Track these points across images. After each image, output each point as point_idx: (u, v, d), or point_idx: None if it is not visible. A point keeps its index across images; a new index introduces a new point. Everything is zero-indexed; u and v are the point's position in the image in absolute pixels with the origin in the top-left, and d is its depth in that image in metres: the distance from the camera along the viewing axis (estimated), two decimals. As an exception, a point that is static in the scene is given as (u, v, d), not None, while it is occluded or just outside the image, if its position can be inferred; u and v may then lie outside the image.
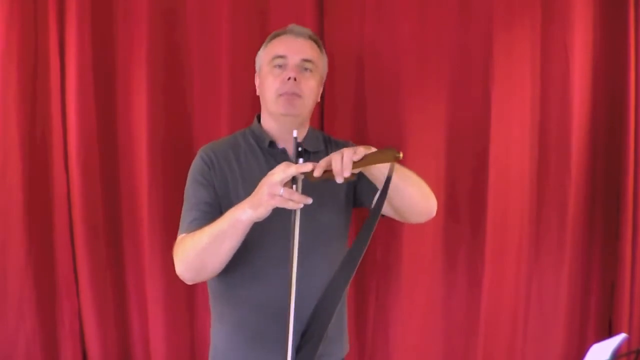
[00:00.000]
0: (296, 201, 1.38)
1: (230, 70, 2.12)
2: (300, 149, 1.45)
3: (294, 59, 1.66)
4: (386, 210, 1.63)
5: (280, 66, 1.66)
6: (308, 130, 1.75)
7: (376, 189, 1.58)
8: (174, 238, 1.69)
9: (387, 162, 1.41)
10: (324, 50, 1.76)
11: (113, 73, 2.17)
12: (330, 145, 1.78)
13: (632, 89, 2.09)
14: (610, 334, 2.19)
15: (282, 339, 1.56)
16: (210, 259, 1.52)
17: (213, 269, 1.55)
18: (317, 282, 1.60)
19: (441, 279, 2.21)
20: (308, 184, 1.54)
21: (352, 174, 1.38)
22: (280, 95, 1.64)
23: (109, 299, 2.24)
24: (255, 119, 1.76)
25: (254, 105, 2.02)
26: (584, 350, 1.51)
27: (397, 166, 1.50)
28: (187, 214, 1.63)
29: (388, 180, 1.44)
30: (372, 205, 1.59)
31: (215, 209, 1.60)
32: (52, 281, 2.22)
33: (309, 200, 1.39)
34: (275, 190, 1.37)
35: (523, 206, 2.16)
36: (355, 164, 1.39)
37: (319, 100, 1.76)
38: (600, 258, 2.24)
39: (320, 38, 2.13)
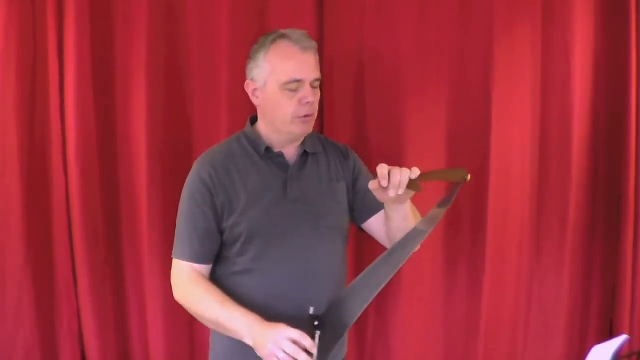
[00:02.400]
0: None
1: (229, 70, 2.11)
2: (317, 323, 1.41)
3: (309, 81, 1.60)
4: (380, 237, 1.74)
5: (294, 89, 1.60)
6: None
7: (368, 212, 1.72)
8: (173, 240, 1.68)
9: (456, 181, 1.45)
10: None
11: (112, 74, 2.17)
12: (328, 146, 1.77)
13: (633, 89, 2.09)
14: (611, 335, 2.18)
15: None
16: (204, 324, 1.64)
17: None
18: (320, 283, 1.60)
19: (441, 280, 2.21)
20: (309, 185, 1.55)
21: (417, 185, 1.43)
22: (298, 117, 1.60)
23: (108, 301, 2.23)
24: (249, 123, 1.73)
25: (254, 106, 2.02)
26: (585, 352, 1.51)
27: (412, 207, 1.60)
28: (185, 237, 1.64)
29: (452, 196, 1.48)
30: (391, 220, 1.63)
31: (212, 234, 1.63)
32: (51, 283, 2.22)
33: None
34: (276, 352, 1.40)
35: (524, 207, 2.16)
36: (423, 177, 1.44)
37: None
38: (601, 259, 2.24)
39: (320, 38, 2.14)
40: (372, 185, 1.48)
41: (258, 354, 1.46)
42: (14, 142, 2.12)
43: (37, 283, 2.19)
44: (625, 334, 1.87)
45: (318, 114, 2.13)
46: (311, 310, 1.40)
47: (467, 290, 2.22)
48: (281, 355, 1.39)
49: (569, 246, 2.18)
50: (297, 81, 1.59)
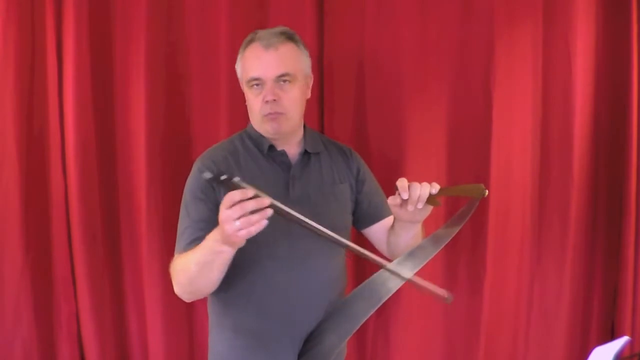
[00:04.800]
0: (257, 222, 1.25)
1: (229, 70, 2.09)
2: (222, 177, 1.26)
3: (269, 79, 1.58)
4: (380, 245, 1.76)
5: (257, 85, 1.59)
6: (305, 131, 1.73)
7: (371, 219, 1.74)
8: (172, 241, 1.67)
9: (475, 196, 1.46)
10: (301, 44, 1.66)
11: (111, 73, 2.16)
12: (330, 146, 1.76)
13: (635, 88, 2.08)
14: (612, 336, 2.17)
15: (283, 341, 1.57)
16: (203, 284, 1.50)
17: (208, 291, 1.55)
18: (321, 284, 1.60)
19: (442, 281, 2.20)
20: (311, 185, 1.53)
21: (436, 200, 1.45)
22: (264, 116, 1.60)
23: (107, 302, 2.23)
24: (250, 122, 1.72)
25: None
26: (586, 354, 1.50)
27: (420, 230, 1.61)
28: (186, 232, 1.58)
29: (470, 209, 1.49)
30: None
31: (214, 227, 1.54)
32: (50, 284, 2.21)
33: (268, 213, 1.26)
34: (233, 225, 1.26)
35: (525, 208, 2.15)
36: (442, 192, 1.45)
37: (309, 96, 1.70)
38: (602, 260, 2.23)
39: (320, 38, 2.13)
40: (392, 200, 1.48)
41: (231, 247, 1.34)
42: (13, 142, 2.11)
43: (36, 283, 2.18)
44: (627, 335, 1.86)
45: (318, 112, 2.15)
46: (206, 175, 1.27)
47: (467, 291, 2.21)
48: (237, 223, 1.25)
49: (570, 247, 2.17)
50: (257, 79, 1.58)
